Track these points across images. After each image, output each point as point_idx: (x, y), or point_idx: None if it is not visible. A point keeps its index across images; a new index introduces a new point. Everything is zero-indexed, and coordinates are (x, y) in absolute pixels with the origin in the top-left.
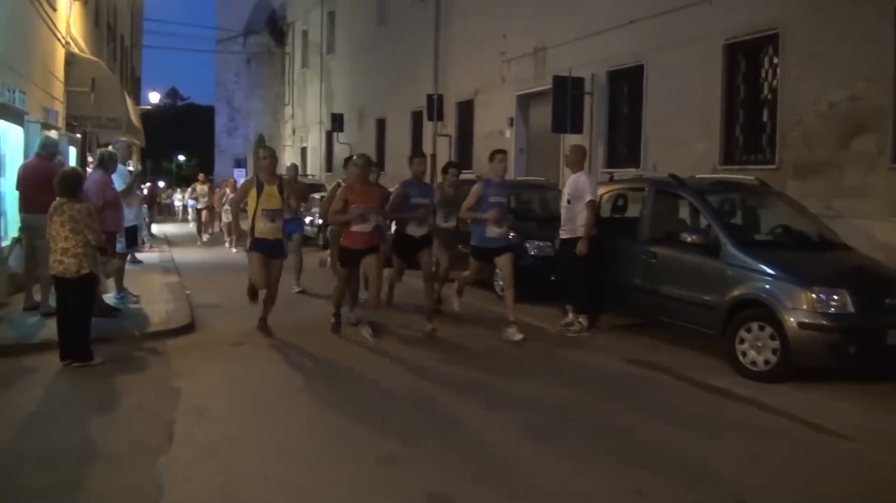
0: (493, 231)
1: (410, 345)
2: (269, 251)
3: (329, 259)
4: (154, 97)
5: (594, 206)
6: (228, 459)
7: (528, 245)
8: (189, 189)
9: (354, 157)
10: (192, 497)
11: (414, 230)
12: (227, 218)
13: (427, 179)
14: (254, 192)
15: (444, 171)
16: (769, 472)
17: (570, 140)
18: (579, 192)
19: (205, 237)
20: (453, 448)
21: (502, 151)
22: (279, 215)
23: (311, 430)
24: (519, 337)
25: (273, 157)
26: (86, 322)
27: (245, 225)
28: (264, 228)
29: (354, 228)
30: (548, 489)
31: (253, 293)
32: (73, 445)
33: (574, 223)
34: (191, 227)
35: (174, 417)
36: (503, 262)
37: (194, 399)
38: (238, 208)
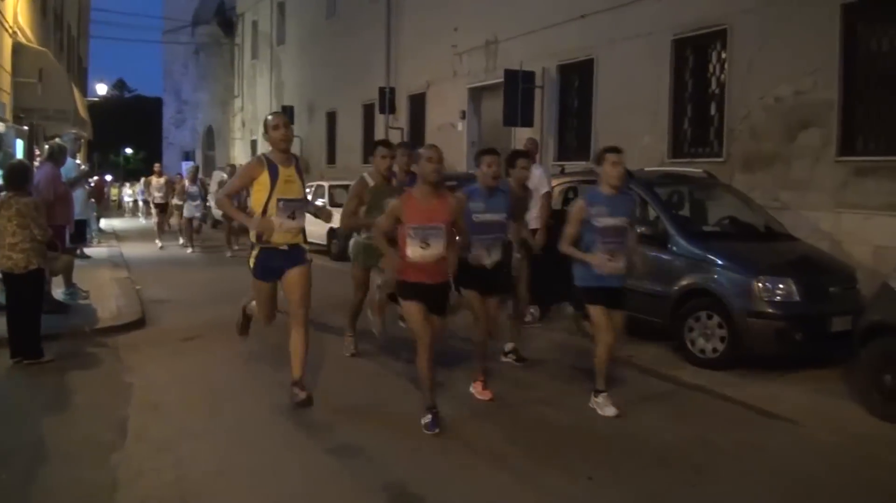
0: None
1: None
2: (283, 267)
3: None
4: (101, 89)
5: (549, 197)
6: (182, 453)
7: None
8: (142, 182)
9: (421, 150)
10: (147, 492)
11: (482, 257)
12: (188, 213)
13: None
14: (265, 177)
15: (510, 163)
16: (719, 456)
17: (522, 133)
18: (532, 185)
19: (159, 242)
20: (408, 440)
21: (616, 150)
22: (301, 209)
23: (265, 423)
24: (612, 411)
25: (289, 128)
26: (35, 318)
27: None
28: (281, 229)
29: (413, 256)
30: (503, 476)
31: (245, 326)
32: (25, 443)
33: (528, 215)
34: (142, 221)
35: (127, 413)
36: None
37: (147, 394)
38: (230, 202)
